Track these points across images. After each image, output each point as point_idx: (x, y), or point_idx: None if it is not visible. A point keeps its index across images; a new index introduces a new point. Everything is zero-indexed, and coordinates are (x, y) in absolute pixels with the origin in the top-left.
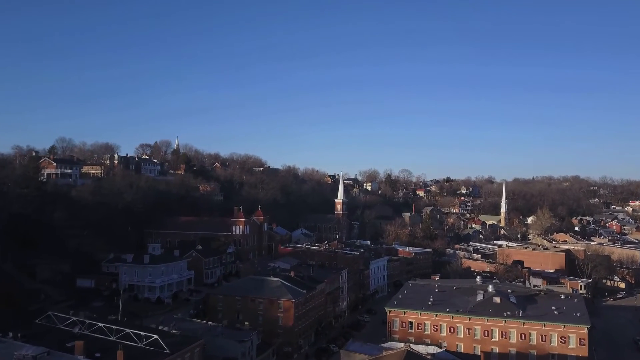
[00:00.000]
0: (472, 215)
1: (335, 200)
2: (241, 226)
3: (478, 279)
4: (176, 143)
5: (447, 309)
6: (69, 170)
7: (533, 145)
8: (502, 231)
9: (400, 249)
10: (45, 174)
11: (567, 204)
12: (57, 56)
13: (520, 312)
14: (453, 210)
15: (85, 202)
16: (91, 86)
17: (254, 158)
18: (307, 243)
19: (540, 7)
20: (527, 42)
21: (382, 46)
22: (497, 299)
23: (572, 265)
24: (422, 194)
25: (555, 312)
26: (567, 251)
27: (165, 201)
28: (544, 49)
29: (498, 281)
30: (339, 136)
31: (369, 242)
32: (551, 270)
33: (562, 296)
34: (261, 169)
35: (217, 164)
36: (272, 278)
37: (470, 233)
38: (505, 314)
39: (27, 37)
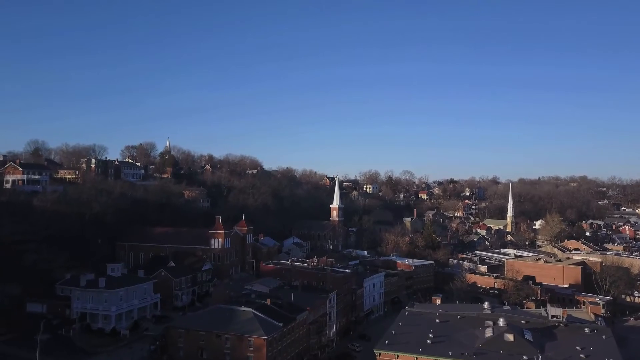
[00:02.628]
0: (477, 219)
1: (331, 206)
2: (220, 239)
3: (486, 304)
4: (167, 144)
5: (450, 352)
6: (37, 177)
7: (538, 144)
8: (509, 237)
9: (399, 261)
10: (10, 181)
11: (576, 206)
12: (47, 55)
13: (539, 355)
14: (457, 214)
15: (47, 212)
16: (81, 86)
17: (249, 159)
18: (294, 259)
19: (548, 6)
20: (531, 41)
21: (384, 45)
22: (510, 336)
23: (588, 280)
24: (424, 196)
25: (582, 356)
26: (582, 263)
27: (142, 210)
28: (548, 48)
29: (509, 307)
30: (340, 136)
31: (365, 252)
32: (565, 286)
33: (587, 330)
34: (254, 171)
35: (208, 167)
36: (243, 308)
37: (475, 240)
38: (521, 359)
39: (18, 36)
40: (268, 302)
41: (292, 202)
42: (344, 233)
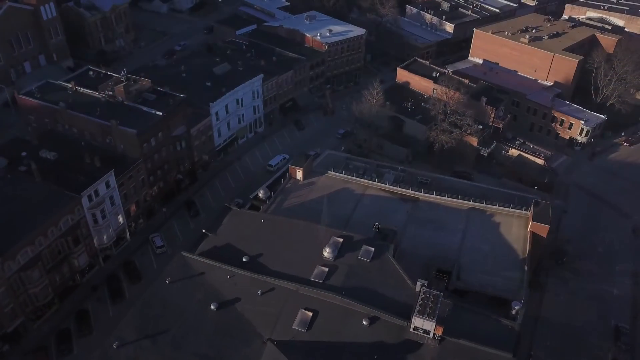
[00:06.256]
0: None
1: None
2: None
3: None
4: None
5: None
6: None
7: None
8: None
9: (308, 34)
10: None
11: None
12: None
13: None
14: None
15: None
16: None
17: None
18: (79, 89)
19: None
20: None
21: None
22: None
23: (586, 78)
24: None
25: None
26: (589, 43)
27: None
28: None
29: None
30: None
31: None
32: (548, 83)
33: None
34: None
35: None
36: None
37: None
38: None
39: None
40: None
41: None
42: None
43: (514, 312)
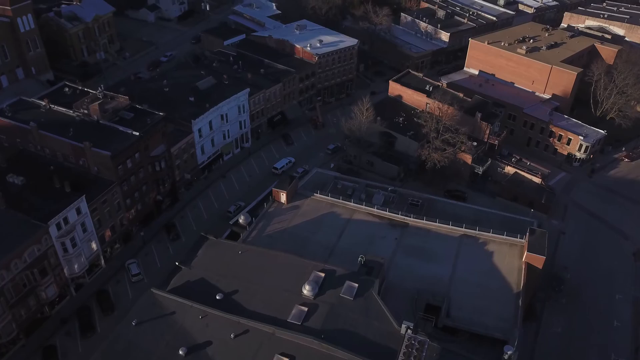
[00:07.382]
0: None
1: None
2: None
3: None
4: None
5: None
6: None
7: None
8: None
9: (299, 45)
10: None
11: None
12: None
13: None
14: None
15: None
16: None
17: None
18: (52, 107)
19: None
20: None
21: None
22: None
23: (585, 91)
24: None
25: None
26: (588, 54)
27: None
28: None
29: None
30: None
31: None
32: (546, 96)
33: None
34: None
35: None
36: None
37: None
38: None
39: None
40: None
41: None
42: None
43: (506, 357)
